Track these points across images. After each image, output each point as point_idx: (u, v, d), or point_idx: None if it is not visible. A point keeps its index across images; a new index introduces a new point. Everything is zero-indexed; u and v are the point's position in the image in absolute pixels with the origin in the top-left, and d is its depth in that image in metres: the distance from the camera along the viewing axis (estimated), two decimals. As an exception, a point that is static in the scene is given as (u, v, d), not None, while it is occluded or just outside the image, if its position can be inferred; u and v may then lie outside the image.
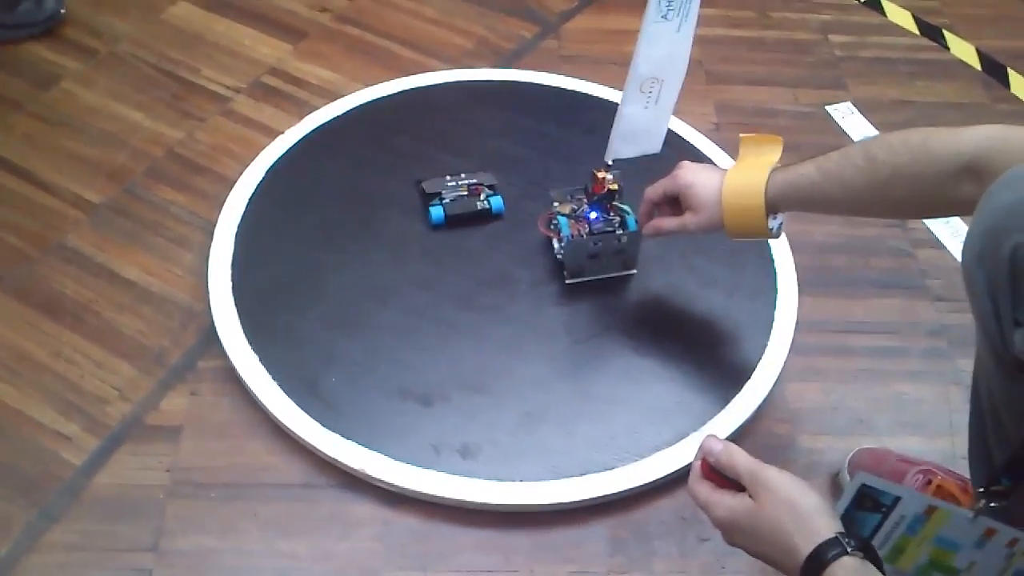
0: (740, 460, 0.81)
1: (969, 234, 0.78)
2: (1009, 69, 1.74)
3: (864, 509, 0.80)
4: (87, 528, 1.04)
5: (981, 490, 0.81)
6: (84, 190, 1.38)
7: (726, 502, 0.80)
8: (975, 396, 0.90)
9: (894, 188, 0.93)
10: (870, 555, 0.73)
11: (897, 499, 0.80)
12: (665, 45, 1.09)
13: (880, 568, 0.73)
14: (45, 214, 1.35)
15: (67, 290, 1.25)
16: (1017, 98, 1.69)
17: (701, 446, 0.84)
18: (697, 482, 0.84)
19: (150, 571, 1.01)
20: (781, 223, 1.09)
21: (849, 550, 0.72)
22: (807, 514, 0.75)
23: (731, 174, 1.08)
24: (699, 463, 0.84)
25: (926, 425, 1.20)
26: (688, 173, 1.12)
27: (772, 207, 1.04)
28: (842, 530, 0.74)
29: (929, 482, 1.06)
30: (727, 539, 0.82)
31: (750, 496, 0.78)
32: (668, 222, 1.15)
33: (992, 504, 0.80)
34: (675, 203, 1.14)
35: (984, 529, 0.81)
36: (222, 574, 1.01)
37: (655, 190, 1.16)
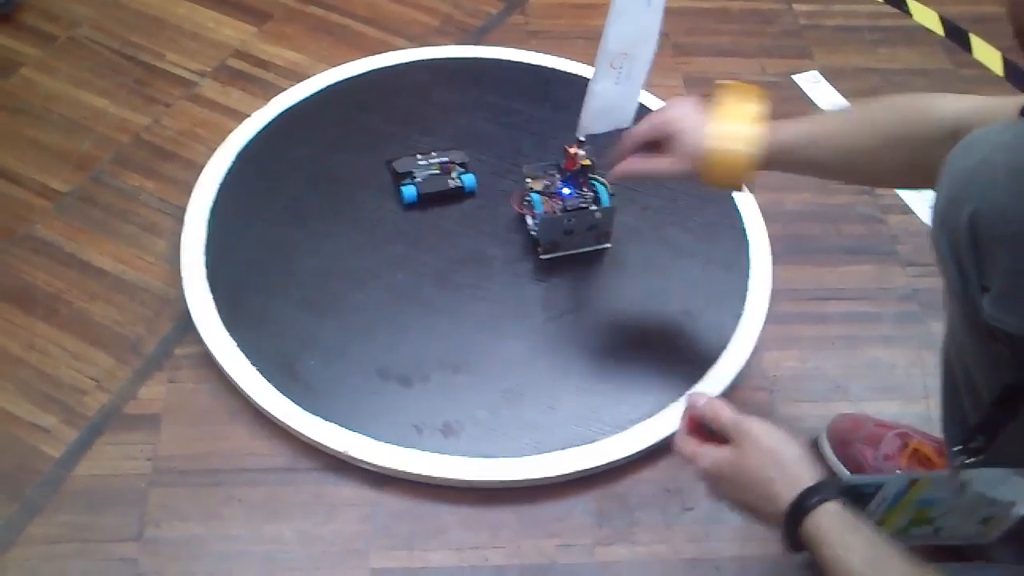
0: (723, 413, 0.82)
1: (935, 201, 0.78)
2: (971, 34, 1.76)
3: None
4: (69, 520, 1.03)
5: (959, 448, 0.83)
6: (50, 179, 1.36)
7: (711, 453, 0.81)
8: (946, 360, 0.91)
9: (889, 154, 0.92)
10: (851, 502, 0.74)
11: (880, 485, 0.82)
12: (635, 21, 1.09)
13: (860, 513, 0.73)
14: (11, 204, 1.33)
15: (38, 281, 1.24)
16: (979, 63, 1.71)
17: (686, 403, 0.86)
18: (683, 438, 0.85)
19: (135, 560, 1.00)
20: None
21: (831, 497, 0.73)
22: (789, 462, 0.76)
23: (719, 126, 1.00)
24: (685, 420, 0.86)
25: (901, 389, 1.21)
26: (681, 118, 1.02)
27: (762, 164, 0.99)
28: (824, 478, 0.75)
29: (905, 445, 1.07)
30: (712, 492, 0.83)
31: (734, 447, 0.80)
32: (642, 165, 1.06)
33: (969, 461, 0.82)
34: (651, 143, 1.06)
35: (961, 481, 0.83)
36: (207, 560, 1.01)
37: (641, 134, 1.06)
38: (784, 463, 0.76)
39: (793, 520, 0.73)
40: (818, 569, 0.73)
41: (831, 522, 0.72)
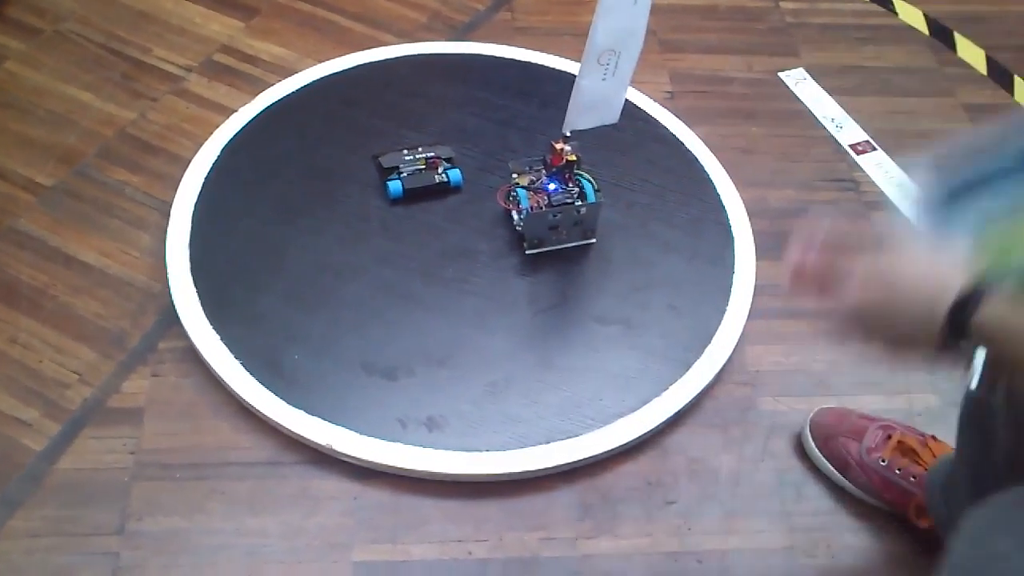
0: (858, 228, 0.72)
1: None
2: (955, 33, 1.76)
3: None
4: (51, 514, 1.03)
5: None
6: (35, 173, 1.36)
7: (856, 264, 0.72)
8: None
9: None
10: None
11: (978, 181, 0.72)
12: (622, 17, 1.09)
13: None
14: (-5, 198, 1.33)
15: (21, 275, 1.23)
16: (964, 62, 1.72)
17: (797, 236, 0.76)
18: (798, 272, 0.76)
19: (117, 554, 1.00)
20: None
21: (997, 288, 0.65)
22: (950, 262, 0.68)
23: None
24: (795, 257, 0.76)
25: (884, 384, 1.22)
26: None
27: None
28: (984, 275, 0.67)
29: (889, 437, 1.08)
30: (848, 324, 0.74)
31: (881, 252, 0.72)
32: None
33: None
34: None
35: None
36: (191, 554, 1.01)
37: None
38: (943, 264, 0.68)
39: (963, 311, 0.65)
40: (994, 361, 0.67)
41: (1007, 306, 0.64)
